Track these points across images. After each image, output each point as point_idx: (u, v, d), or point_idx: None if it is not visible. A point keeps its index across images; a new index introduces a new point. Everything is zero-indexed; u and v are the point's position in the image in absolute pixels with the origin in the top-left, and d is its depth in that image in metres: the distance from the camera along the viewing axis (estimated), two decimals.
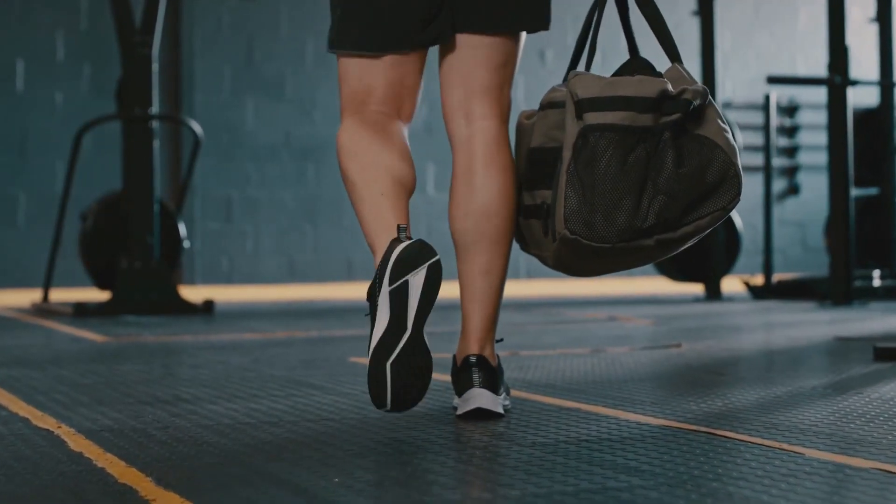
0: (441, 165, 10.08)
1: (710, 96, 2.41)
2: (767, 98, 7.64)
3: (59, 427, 2.57)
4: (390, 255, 2.35)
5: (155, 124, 6.46)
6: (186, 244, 6.90)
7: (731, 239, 7.82)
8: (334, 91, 10.15)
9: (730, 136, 2.41)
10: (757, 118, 11.34)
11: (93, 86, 9.54)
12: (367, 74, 2.60)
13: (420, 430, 2.51)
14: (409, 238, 2.38)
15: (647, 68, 2.49)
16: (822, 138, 11.58)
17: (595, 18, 2.57)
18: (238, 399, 2.99)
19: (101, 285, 6.71)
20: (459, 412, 2.58)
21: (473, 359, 2.57)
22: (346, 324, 5.74)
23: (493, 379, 2.58)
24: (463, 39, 2.61)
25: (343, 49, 2.62)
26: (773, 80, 6.80)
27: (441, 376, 3.33)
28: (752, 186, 11.44)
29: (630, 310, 6.60)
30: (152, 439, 2.42)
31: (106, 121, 6.67)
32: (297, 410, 2.78)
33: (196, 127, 6.91)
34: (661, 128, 2.37)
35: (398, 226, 2.41)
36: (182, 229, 6.82)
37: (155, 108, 6.43)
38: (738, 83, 11.40)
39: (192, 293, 8.87)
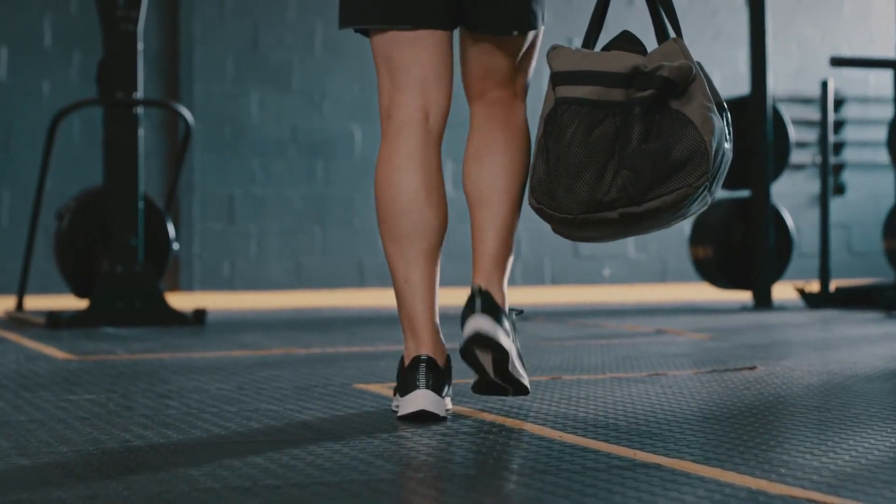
0: (460, 163, 9.40)
1: (696, 72, 2.41)
2: (825, 84, 6.88)
3: None
4: (406, 394, 2.55)
5: (141, 111, 5.75)
6: (175, 246, 6.17)
7: (782, 241, 7.07)
8: (345, 82, 9.52)
9: (712, 114, 2.39)
10: (800, 112, 10.63)
11: (83, 74, 8.86)
12: (394, 51, 2.64)
13: (446, 499, 1.80)
14: (428, 360, 2.55)
15: (631, 43, 2.49)
16: (868, 134, 10.89)
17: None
18: (205, 448, 2.26)
19: (79, 292, 5.99)
20: (462, 342, 2.53)
21: (476, 288, 2.55)
22: (352, 337, 5.01)
23: (494, 308, 2.53)
24: (474, 35, 2.68)
25: (362, 23, 2.65)
26: (838, 61, 6.06)
27: (468, 409, 2.60)
28: (797, 185, 10.74)
29: (676, 321, 5.87)
30: None
31: (84, 106, 5.93)
32: (280, 466, 2.06)
33: (186, 113, 6.18)
34: (630, 103, 2.39)
35: (420, 356, 2.56)
36: (171, 229, 6.10)
37: (141, 93, 5.71)
38: (779, 75, 10.64)
39: (190, 300, 8.18)
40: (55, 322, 5.41)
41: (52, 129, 5.99)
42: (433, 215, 2.62)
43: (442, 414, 2.56)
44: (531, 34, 2.71)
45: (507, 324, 2.57)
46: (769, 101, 6.85)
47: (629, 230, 2.46)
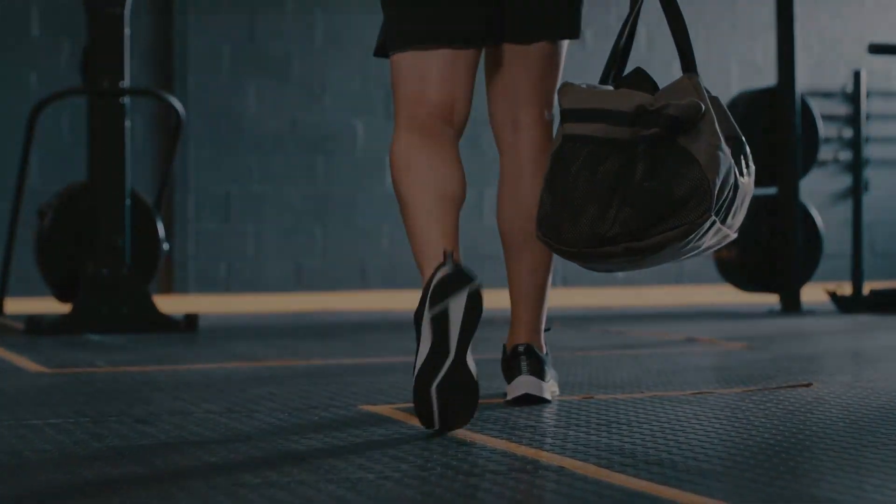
0: (466, 161, 8.99)
1: (705, 110, 2.43)
2: (857, 74, 6.48)
3: None
4: (432, 281, 2.37)
5: (129, 101, 5.36)
6: (165, 247, 5.76)
7: (811, 241, 6.67)
8: (346, 73, 9.14)
9: (719, 151, 2.42)
10: (821, 107, 10.25)
11: (72, 64, 8.46)
12: (421, 72, 2.66)
13: None
14: (456, 261, 2.41)
15: (642, 80, 2.56)
16: (891, 129, 10.50)
17: (629, 21, 2.62)
18: (178, 494, 1.86)
19: (62, 296, 5.59)
20: (509, 398, 2.80)
21: (521, 348, 2.80)
22: (356, 347, 4.62)
23: (540, 367, 2.80)
24: (506, 49, 2.77)
25: (397, 49, 2.68)
26: (876, 48, 5.67)
27: (496, 438, 2.21)
28: (819, 182, 10.34)
29: (704, 327, 5.47)
30: None
31: (66, 96, 5.53)
32: None
33: (176, 103, 5.77)
34: (635, 141, 2.42)
35: (444, 251, 2.45)
36: (160, 229, 5.70)
37: (128, 81, 5.32)
38: (799, 67, 10.24)
39: (184, 303, 7.80)
40: (35, 328, 5.02)
41: (31, 121, 5.59)
42: (455, 184, 2.63)
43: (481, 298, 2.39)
44: (564, 45, 2.81)
45: (549, 374, 2.82)
46: (797, 94, 6.46)
47: (639, 263, 2.49)
